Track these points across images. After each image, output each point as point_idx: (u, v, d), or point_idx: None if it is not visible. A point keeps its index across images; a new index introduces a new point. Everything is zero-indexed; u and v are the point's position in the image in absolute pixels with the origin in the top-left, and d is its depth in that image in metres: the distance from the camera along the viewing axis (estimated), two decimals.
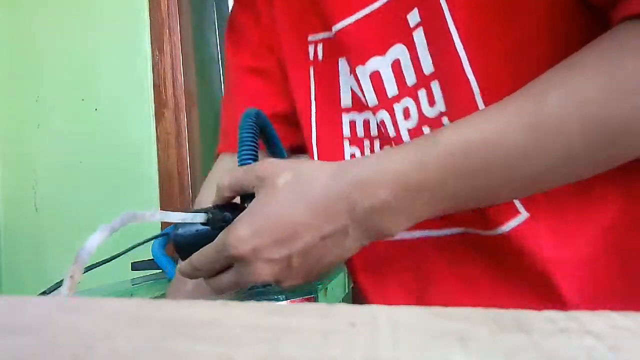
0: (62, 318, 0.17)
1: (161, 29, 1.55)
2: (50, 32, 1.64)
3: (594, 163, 0.33)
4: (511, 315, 0.15)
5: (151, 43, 1.55)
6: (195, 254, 0.38)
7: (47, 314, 0.18)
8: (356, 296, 1.42)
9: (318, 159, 0.49)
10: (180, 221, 0.37)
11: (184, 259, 0.39)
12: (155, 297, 0.73)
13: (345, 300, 0.81)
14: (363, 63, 0.44)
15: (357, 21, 0.44)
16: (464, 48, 0.38)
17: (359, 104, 0.47)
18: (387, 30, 0.42)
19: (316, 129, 0.50)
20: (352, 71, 0.45)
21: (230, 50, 0.60)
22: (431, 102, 0.42)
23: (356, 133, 0.48)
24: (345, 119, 0.48)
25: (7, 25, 1.67)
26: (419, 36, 0.41)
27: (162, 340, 0.14)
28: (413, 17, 0.41)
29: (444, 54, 0.39)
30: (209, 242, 0.37)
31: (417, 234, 0.43)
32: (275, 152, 0.50)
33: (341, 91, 0.48)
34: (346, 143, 0.48)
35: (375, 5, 0.43)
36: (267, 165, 0.37)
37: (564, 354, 0.13)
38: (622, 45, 0.31)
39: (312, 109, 0.50)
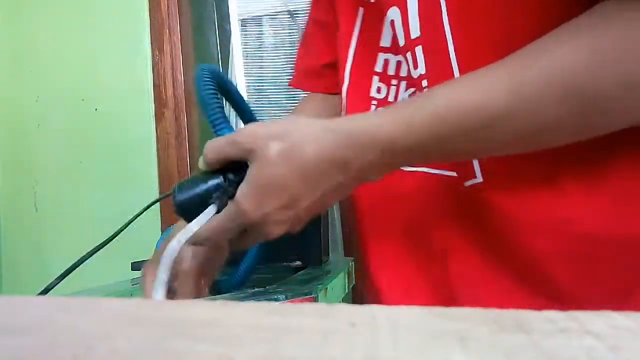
0: (62, 318, 0.17)
1: (161, 29, 1.55)
2: (50, 32, 1.64)
3: (574, 129, 0.35)
4: (511, 315, 0.15)
5: (151, 43, 1.55)
6: (204, 227, 0.39)
7: (47, 314, 0.18)
8: (356, 296, 1.41)
9: (347, 88, 0.53)
10: (197, 225, 0.39)
11: (188, 221, 0.41)
12: None
13: (345, 300, 0.81)
14: (384, 15, 0.48)
15: None
16: (449, 22, 0.41)
17: (396, 46, 0.49)
18: None
19: (352, 61, 0.53)
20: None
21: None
22: (415, 65, 0.45)
23: (387, 71, 0.51)
24: (381, 57, 0.51)
25: (7, 25, 1.67)
26: (412, 0, 0.44)
27: (162, 340, 0.14)
28: None
29: (429, 22, 0.42)
30: (209, 200, 0.40)
31: (420, 169, 0.47)
32: (240, 110, 0.52)
33: (383, 33, 0.51)
34: (375, 78, 0.52)
35: None
36: (252, 136, 0.38)
37: (564, 354, 0.13)
38: (601, 19, 0.33)
39: (353, 43, 0.53)
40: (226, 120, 0.43)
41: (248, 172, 0.38)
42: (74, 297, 0.20)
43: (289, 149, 0.37)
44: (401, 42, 0.46)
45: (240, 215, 0.39)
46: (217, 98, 0.43)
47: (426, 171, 0.47)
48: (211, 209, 0.39)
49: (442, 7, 0.41)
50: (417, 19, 0.43)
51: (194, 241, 0.40)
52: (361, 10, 0.53)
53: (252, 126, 0.40)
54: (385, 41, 0.51)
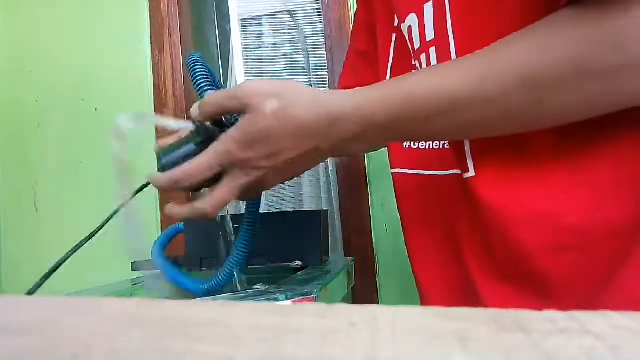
0: (62, 318, 0.17)
1: (161, 29, 1.55)
2: (50, 32, 1.64)
3: (529, 117, 0.39)
4: (511, 315, 0.15)
5: (151, 43, 1.55)
6: (183, 166, 0.44)
7: (47, 314, 0.18)
8: (356, 296, 1.41)
9: None
10: (175, 127, 0.45)
11: None
12: (155, 297, 0.73)
13: (345, 300, 0.81)
14: (403, 21, 0.53)
15: None
16: (452, 27, 0.45)
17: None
18: (409, 0, 0.51)
19: (391, 69, 0.60)
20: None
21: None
22: (428, 64, 0.49)
23: None
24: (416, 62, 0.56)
25: (7, 25, 1.67)
26: (428, 8, 0.48)
27: (162, 340, 0.14)
28: None
29: (439, 27, 0.47)
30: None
31: (431, 172, 0.53)
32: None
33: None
34: None
35: None
36: (251, 92, 0.43)
37: (564, 354, 0.13)
38: (558, 19, 0.37)
39: (389, 67, 0.59)
40: (210, 83, 0.48)
41: (241, 120, 0.43)
42: (74, 297, 0.20)
43: (282, 107, 0.42)
44: (417, 45, 0.50)
45: (224, 154, 0.43)
46: (205, 70, 0.48)
47: (442, 174, 0.52)
48: (189, 125, 0.44)
49: (446, 10, 0.45)
50: (432, 22, 0.48)
51: (176, 185, 0.45)
52: (394, 36, 0.58)
53: (250, 83, 0.44)
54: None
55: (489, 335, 0.14)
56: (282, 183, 0.47)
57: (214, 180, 0.45)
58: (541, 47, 0.36)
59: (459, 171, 0.49)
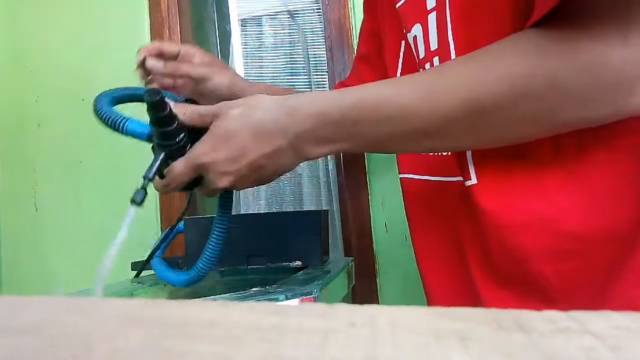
0: (62, 318, 0.17)
1: (161, 29, 1.55)
2: (50, 32, 1.64)
3: (472, 135, 0.41)
4: (511, 315, 0.15)
5: (151, 43, 1.55)
6: (168, 176, 0.48)
7: (47, 314, 0.18)
8: (356, 296, 1.41)
9: None
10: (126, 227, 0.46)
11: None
12: (155, 297, 0.73)
13: (345, 300, 0.81)
14: (409, 31, 0.54)
15: (405, 1, 0.55)
16: (453, 37, 0.46)
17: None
18: (415, 11, 0.52)
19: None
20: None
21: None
22: None
23: None
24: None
25: (7, 25, 1.67)
26: (431, 18, 0.49)
27: (162, 340, 0.14)
28: (430, 2, 0.50)
29: (441, 37, 0.48)
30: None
31: (438, 178, 0.55)
32: None
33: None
34: None
35: None
36: (219, 105, 0.47)
37: (564, 354, 0.13)
38: (514, 43, 0.38)
39: (398, 75, 0.61)
40: (119, 114, 0.51)
41: (211, 126, 0.46)
42: (74, 297, 0.20)
43: (244, 112, 0.45)
44: (421, 54, 0.52)
45: (192, 158, 0.46)
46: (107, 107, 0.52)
47: (448, 180, 0.53)
48: (132, 210, 0.45)
49: (447, 21, 0.47)
50: (436, 32, 0.49)
51: (163, 190, 0.49)
52: (403, 43, 0.59)
53: (223, 102, 0.48)
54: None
55: (489, 335, 0.14)
56: (252, 187, 0.49)
57: (197, 181, 0.49)
58: (486, 70, 0.38)
59: (462, 178, 0.49)
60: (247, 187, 0.48)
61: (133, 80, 1.62)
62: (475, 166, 0.47)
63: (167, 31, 1.55)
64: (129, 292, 0.77)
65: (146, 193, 0.46)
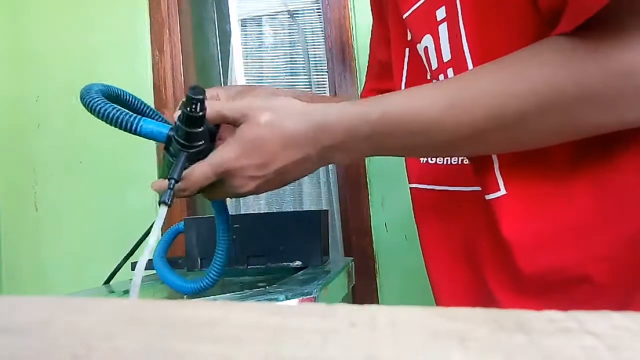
0: (62, 318, 0.17)
1: (161, 29, 1.55)
2: (50, 32, 1.64)
3: (500, 143, 0.42)
4: (511, 315, 0.15)
5: (151, 43, 1.55)
6: (187, 177, 0.46)
7: (47, 314, 0.18)
8: (356, 296, 1.41)
9: None
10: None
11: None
12: (155, 297, 0.73)
13: (345, 300, 0.81)
14: (419, 42, 0.55)
15: (413, 12, 0.55)
16: (469, 48, 0.46)
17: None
18: (424, 21, 0.52)
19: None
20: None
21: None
22: None
23: None
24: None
25: (7, 25, 1.67)
26: (442, 29, 0.49)
27: (162, 340, 0.14)
28: (440, 13, 0.50)
29: (455, 48, 0.48)
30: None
31: (449, 188, 0.54)
32: (140, 111, 0.56)
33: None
34: None
35: (420, 2, 0.53)
36: (249, 104, 0.47)
37: (564, 354, 0.13)
38: (536, 55, 0.39)
39: (403, 83, 0.61)
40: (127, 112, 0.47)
41: (237, 131, 0.46)
42: (74, 297, 0.20)
43: (275, 119, 0.45)
44: (434, 66, 0.52)
45: (220, 162, 0.45)
46: (107, 102, 0.47)
47: (462, 190, 0.52)
48: (163, 210, 0.44)
49: (461, 32, 0.47)
50: (448, 43, 0.49)
51: (179, 195, 0.47)
52: (407, 50, 0.59)
53: (248, 98, 0.48)
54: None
55: (489, 335, 0.14)
56: (271, 190, 0.50)
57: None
58: (511, 83, 0.39)
59: (479, 188, 0.49)
60: (267, 191, 0.49)
61: (133, 80, 1.62)
62: (504, 177, 0.46)
63: (167, 31, 1.55)
64: (129, 292, 0.76)
65: (174, 194, 0.45)
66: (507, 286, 0.47)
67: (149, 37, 1.55)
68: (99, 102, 0.47)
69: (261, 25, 1.73)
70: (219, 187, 0.47)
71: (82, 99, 0.49)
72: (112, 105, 0.47)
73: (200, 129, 0.45)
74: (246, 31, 1.73)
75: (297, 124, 0.45)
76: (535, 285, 0.45)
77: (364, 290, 1.34)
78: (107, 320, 0.17)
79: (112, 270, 0.84)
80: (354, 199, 1.41)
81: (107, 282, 0.84)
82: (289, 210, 1.58)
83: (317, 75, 1.63)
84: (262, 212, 1.58)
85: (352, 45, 1.44)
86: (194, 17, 1.71)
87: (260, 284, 0.59)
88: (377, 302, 1.34)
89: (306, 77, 1.65)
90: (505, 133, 0.41)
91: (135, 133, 0.46)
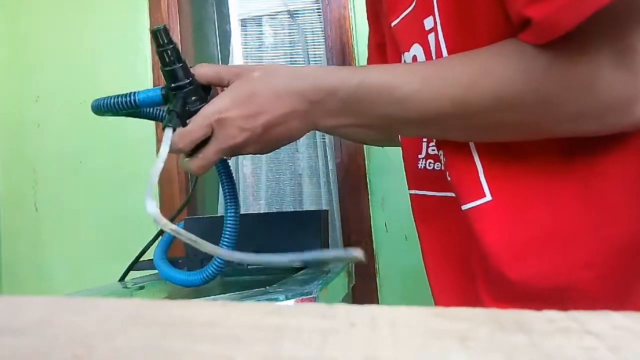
0: (62, 318, 0.17)
1: None
2: (50, 32, 1.64)
3: (460, 128, 0.45)
4: (511, 315, 0.15)
5: (151, 43, 1.55)
6: (178, 132, 0.48)
7: (47, 314, 0.18)
8: (356, 296, 1.41)
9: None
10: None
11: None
12: (155, 297, 0.73)
13: (345, 300, 0.81)
14: (407, 50, 0.56)
15: (400, 20, 0.56)
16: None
17: None
18: (412, 30, 0.53)
19: None
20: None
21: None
22: None
23: None
24: None
25: (7, 25, 1.67)
26: (431, 38, 0.50)
27: (162, 340, 0.14)
28: (428, 22, 0.50)
29: (439, 56, 0.48)
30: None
31: (447, 194, 0.54)
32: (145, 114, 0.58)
33: None
34: None
35: (407, 11, 0.55)
36: (244, 65, 0.51)
37: (564, 354, 0.13)
38: (503, 55, 0.40)
39: None
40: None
41: (230, 85, 0.48)
42: (74, 297, 0.20)
43: (265, 75, 0.48)
44: None
45: (213, 111, 0.47)
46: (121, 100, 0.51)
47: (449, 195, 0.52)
48: (169, 132, 0.47)
49: (441, 45, 0.48)
50: (435, 52, 0.49)
51: (174, 146, 0.48)
52: (403, 57, 0.58)
53: (243, 65, 0.52)
54: None
55: (489, 335, 0.14)
56: (261, 153, 0.51)
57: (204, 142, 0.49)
58: (476, 73, 0.41)
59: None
60: (256, 152, 0.50)
61: (133, 80, 1.62)
62: (489, 183, 0.46)
63: None
64: (129, 292, 0.77)
65: (178, 119, 0.48)
66: (495, 296, 0.47)
67: (149, 37, 1.55)
68: (98, 101, 0.51)
69: (261, 25, 1.73)
70: (213, 141, 0.48)
71: (92, 109, 0.53)
72: (107, 97, 0.51)
73: (180, 64, 0.49)
74: (246, 31, 1.73)
75: (285, 78, 0.48)
76: (523, 294, 0.44)
77: (364, 290, 1.34)
78: (107, 320, 0.17)
79: (112, 271, 0.84)
80: (354, 199, 1.41)
81: (122, 279, 0.85)
82: (289, 210, 1.58)
83: None
84: (262, 212, 1.58)
85: (352, 45, 1.44)
86: (194, 17, 1.71)
87: (260, 284, 0.59)
88: (377, 302, 1.34)
89: None
90: (468, 121, 0.43)
91: (135, 105, 0.50)
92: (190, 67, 0.51)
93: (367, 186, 1.40)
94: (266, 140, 0.49)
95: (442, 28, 0.48)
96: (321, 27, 1.61)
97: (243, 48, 1.73)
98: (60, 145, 1.59)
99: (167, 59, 0.49)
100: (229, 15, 1.73)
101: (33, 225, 1.59)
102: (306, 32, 1.66)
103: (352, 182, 1.41)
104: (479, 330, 0.14)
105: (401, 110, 0.45)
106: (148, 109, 0.54)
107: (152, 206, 0.42)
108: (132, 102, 0.50)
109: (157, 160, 0.45)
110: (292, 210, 1.58)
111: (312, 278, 0.63)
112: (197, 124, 0.47)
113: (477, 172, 0.47)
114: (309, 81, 0.47)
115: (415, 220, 0.60)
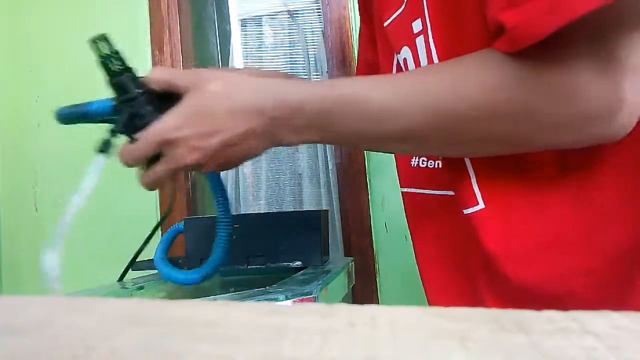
0: (62, 318, 0.17)
1: (161, 29, 1.55)
2: (50, 32, 1.64)
3: (438, 141, 0.42)
4: (511, 315, 0.15)
5: (151, 43, 1.55)
6: (124, 146, 0.46)
7: (47, 314, 0.18)
8: (356, 296, 1.41)
9: None
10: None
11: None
12: (155, 297, 0.73)
13: (345, 300, 0.81)
14: (398, 52, 0.54)
15: (392, 22, 0.54)
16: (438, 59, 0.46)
17: None
18: (402, 33, 0.51)
19: None
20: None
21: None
22: None
23: None
24: None
25: (7, 25, 1.67)
26: (420, 41, 0.48)
27: (162, 340, 0.14)
28: (416, 25, 0.48)
29: (430, 62, 0.47)
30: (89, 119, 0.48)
31: (440, 192, 0.53)
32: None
33: None
34: None
35: (398, 12, 0.53)
36: (198, 74, 0.46)
37: (564, 354, 0.13)
38: (477, 61, 0.39)
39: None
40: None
41: (184, 99, 0.45)
42: (74, 297, 0.20)
43: (223, 89, 0.44)
44: None
45: (161, 129, 0.44)
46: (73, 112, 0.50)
47: (452, 194, 0.51)
48: (102, 160, 0.45)
49: (431, 49, 0.46)
50: (426, 57, 0.48)
51: (122, 161, 0.47)
52: (396, 57, 0.58)
53: (202, 69, 0.47)
54: None
55: (489, 335, 0.14)
56: (222, 170, 0.48)
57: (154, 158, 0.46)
58: (455, 85, 0.39)
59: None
60: (212, 170, 0.46)
61: None
62: (482, 191, 0.45)
63: (167, 31, 1.55)
64: (129, 292, 0.77)
65: (111, 144, 0.46)
66: (498, 298, 0.46)
67: (149, 37, 1.55)
68: (59, 110, 0.50)
69: (261, 25, 1.73)
70: (162, 159, 0.45)
71: (56, 119, 0.51)
72: (66, 107, 0.49)
73: (125, 74, 0.46)
74: (246, 31, 1.73)
75: (245, 94, 0.44)
76: (524, 297, 0.44)
77: (364, 290, 1.34)
78: (107, 320, 0.17)
79: (112, 271, 0.84)
80: (354, 199, 1.41)
81: (121, 278, 0.85)
82: (289, 210, 1.58)
83: (317, 75, 1.63)
84: (262, 212, 1.58)
85: (352, 45, 1.44)
86: (194, 17, 1.71)
87: (260, 284, 0.59)
88: (377, 302, 1.34)
89: (306, 77, 1.65)
90: (444, 133, 0.41)
91: (87, 116, 0.48)
92: (146, 74, 0.47)
93: (367, 186, 1.40)
94: (223, 158, 0.45)
95: (432, 32, 0.46)
96: (321, 27, 1.61)
97: (243, 48, 1.73)
98: (60, 145, 1.59)
99: (110, 70, 0.46)
100: (229, 15, 1.73)
101: (33, 225, 1.59)
102: (306, 32, 1.66)
103: (352, 182, 1.41)
104: (479, 330, 0.14)
105: (374, 124, 0.42)
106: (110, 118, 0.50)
107: (52, 261, 0.41)
108: (85, 113, 0.48)
109: (75, 197, 0.43)
110: (292, 210, 1.58)
111: (312, 278, 0.63)
112: (143, 143, 0.45)
113: (470, 179, 0.46)
114: (271, 97, 0.44)
115: (407, 219, 0.59)
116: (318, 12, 1.62)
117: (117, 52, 0.46)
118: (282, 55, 1.70)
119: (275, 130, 0.44)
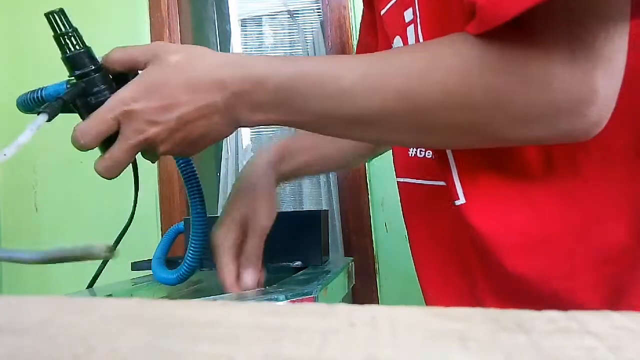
0: (62, 318, 0.17)
1: (161, 29, 1.55)
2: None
3: (406, 127, 0.40)
4: (511, 315, 0.15)
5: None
6: (78, 125, 0.43)
7: (47, 314, 0.18)
8: (356, 296, 1.41)
9: None
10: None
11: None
12: (155, 297, 0.73)
13: (345, 300, 0.81)
14: (392, 42, 0.52)
15: (387, 10, 0.53)
16: None
17: None
18: (395, 22, 0.51)
19: None
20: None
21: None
22: None
23: None
24: None
25: (7, 25, 1.67)
26: (410, 31, 0.47)
27: (162, 340, 0.15)
28: (408, 15, 0.48)
29: None
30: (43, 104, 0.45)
31: (437, 182, 0.51)
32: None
33: None
34: None
35: (393, 1, 0.51)
36: (161, 45, 0.44)
37: (564, 354, 0.13)
38: (451, 44, 0.37)
39: None
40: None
41: (143, 72, 0.43)
42: (74, 297, 0.20)
43: (184, 61, 0.42)
44: None
45: (116, 103, 0.41)
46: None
47: (437, 184, 0.50)
48: (41, 118, 0.42)
49: (420, 37, 0.46)
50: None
51: (76, 144, 0.43)
52: (393, 46, 0.58)
53: (161, 42, 0.46)
54: None
55: (489, 335, 0.14)
56: (178, 154, 0.46)
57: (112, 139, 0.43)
58: (426, 66, 0.38)
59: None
60: (174, 151, 0.44)
61: None
62: (463, 185, 0.44)
63: (167, 31, 1.55)
64: (129, 292, 0.77)
65: (55, 110, 0.43)
66: (493, 291, 0.46)
67: (149, 37, 1.55)
68: (18, 99, 0.49)
69: (261, 25, 1.73)
70: (120, 137, 0.43)
71: (17, 107, 0.50)
72: (23, 94, 0.49)
73: (81, 50, 0.46)
74: (246, 31, 1.73)
75: (206, 67, 0.42)
76: (509, 291, 0.44)
77: (364, 290, 1.34)
78: (107, 320, 0.17)
79: (112, 271, 0.84)
80: (354, 199, 1.41)
81: (90, 286, 0.84)
82: (289, 210, 1.58)
83: None
84: None
85: (352, 45, 1.44)
86: (194, 17, 1.71)
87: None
88: (377, 302, 1.34)
89: None
90: (414, 118, 0.39)
91: (42, 100, 0.47)
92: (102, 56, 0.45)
93: (367, 186, 1.40)
94: (184, 138, 0.42)
95: (420, 21, 0.45)
96: (321, 27, 1.61)
97: (243, 48, 1.73)
98: (60, 145, 1.59)
99: (66, 46, 0.45)
100: (229, 15, 1.73)
101: (33, 225, 1.59)
102: (306, 32, 1.66)
103: (352, 183, 1.41)
104: (479, 330, 0.14)
105: (341, 104, 0.39)
106: (77, 104, 0.46)
107: None
108: (39, 98, 0.47)
109: (11, 145, 0.41)
110: (292, 210, 1.58)
111: (312, 278, 0.63)
112: (98, 117, 0.42)
113: (452, 173, 0.44)
114: (233, 69, 0.41)
115: (403, 210, 0.58)
116: (318, 12, 1.62)
117: (75, 30, 0.46)
118: (281, 55, 1.70)
119: (236, 107, 0.41)
